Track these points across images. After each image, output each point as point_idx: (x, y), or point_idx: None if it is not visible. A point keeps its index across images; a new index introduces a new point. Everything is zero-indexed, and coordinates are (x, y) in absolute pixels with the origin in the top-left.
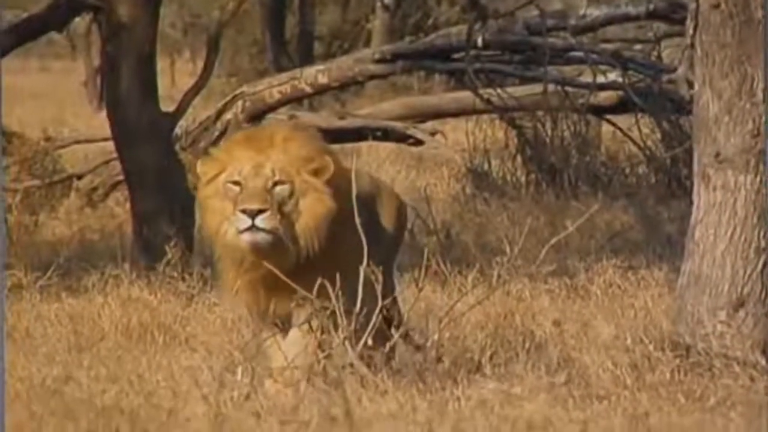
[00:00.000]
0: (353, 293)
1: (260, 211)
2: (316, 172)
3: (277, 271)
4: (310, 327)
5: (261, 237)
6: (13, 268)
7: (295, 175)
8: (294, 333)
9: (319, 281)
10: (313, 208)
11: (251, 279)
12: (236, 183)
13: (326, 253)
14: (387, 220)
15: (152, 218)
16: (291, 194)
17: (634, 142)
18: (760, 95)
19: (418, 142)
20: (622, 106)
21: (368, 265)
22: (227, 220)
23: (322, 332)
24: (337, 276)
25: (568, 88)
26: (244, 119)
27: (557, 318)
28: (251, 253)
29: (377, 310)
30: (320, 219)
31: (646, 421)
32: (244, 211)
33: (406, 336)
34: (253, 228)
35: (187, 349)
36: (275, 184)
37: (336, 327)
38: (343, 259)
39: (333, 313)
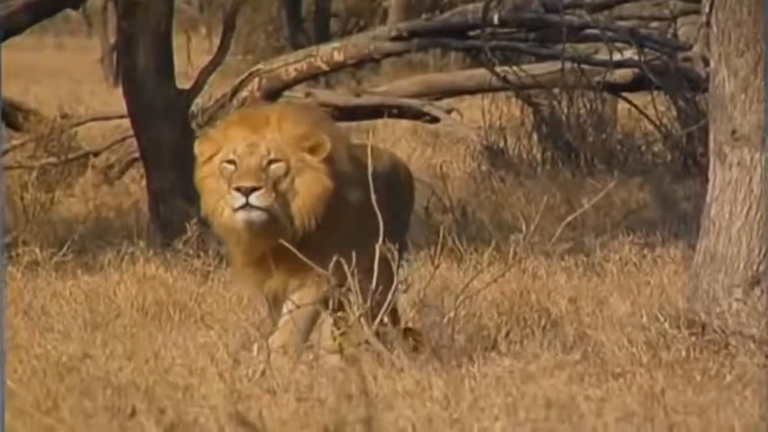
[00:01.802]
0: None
1: (254, 189)
2: (312, 150)
3: (291, 247)
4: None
5: (255, 215)
6: (29, 245)
7: (291, 153)
8: (284, 312)
9: (331, 259)
10: (309, 187)
11: (251, 258)
12: (231, 162)
13: (327, 231)
14: (403, 197)
15: (168, 196)
16: (286, 173)
17: (650, 120)
18: None
19: (434, 120)
20: (638, 84)
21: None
22: (223, 199)
23: (339, 309)
24: (335, 253)
25: (584, 66)
26: (260, 97)
27: (573, 296)
28: (246, 232)
29: (393, 289)
30: (316, 197)
31: (662, 398)
32: (238, 189)
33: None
34: (247, 206)
35: (202, 326)
36: (270, 162)
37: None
38: (345, 237)
39: (338, 290)
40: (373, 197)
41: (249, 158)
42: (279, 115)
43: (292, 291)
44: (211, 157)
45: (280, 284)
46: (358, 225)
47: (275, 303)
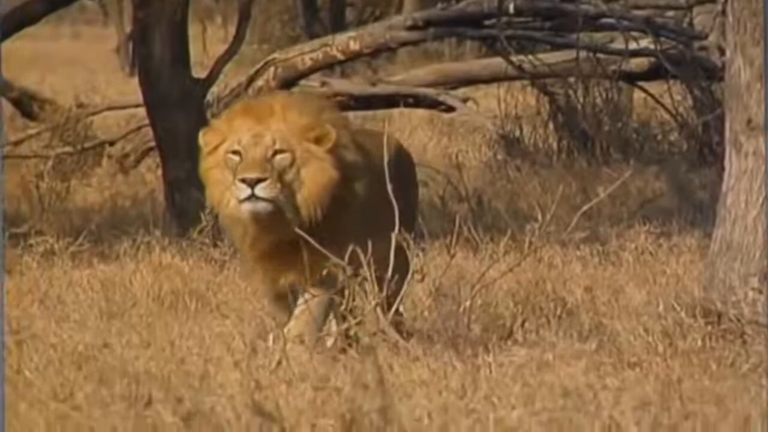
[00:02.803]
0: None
1: (260, 180)
2: (317, 141)
3: (308, 238)
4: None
5: (261, 206)
6: (45, 235)
7: (296, 144)
8: (300, 301)
9: (343, 249)
10: (314, 178)
11: (258, 251)
12: (236, 153)
13: (337, 221)
14: (406, 180)
15: (184, 185)
16: (292, 163)
17: (666, 109)
18: None
19: (450, 109)
20: (653, 73)
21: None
22: (228, 190)
23: (351, 299)
24: (347, 243)
25: (600, 55)
26: (275, 86)
27: (589, 285)
28: (252, 223)
29: (408, 278)
30: (322, 188)
31: (678, 387)
32: (243, 181)
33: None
34: (253, 197)
35: (218, 315)
36: (275, 153)
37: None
38: (356, 226)
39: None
40: (389, 186)
41: (254, 149)
42: (284, 105)
43: (306, 282)
44: (215, 148)
45: (294, 277)
46: (367, 214)
47: (291, 294)
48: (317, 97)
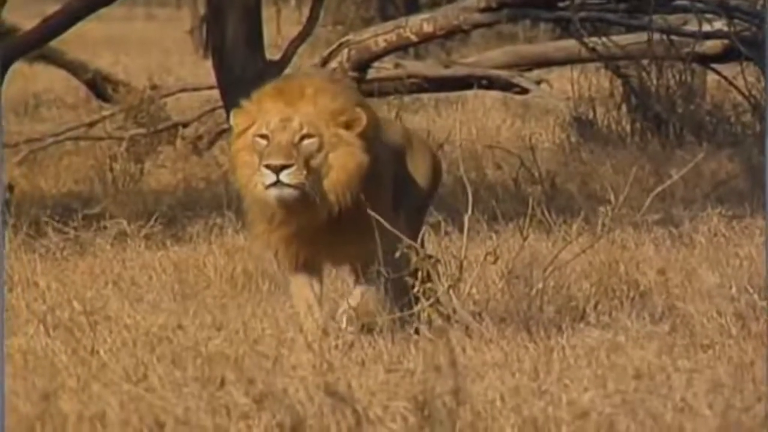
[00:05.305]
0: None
1: (284, 167)
2: (347, 125)
3: (380, 218)
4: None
5: (287, 192)
6: (118, 217)
7: (325, 128)
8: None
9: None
10: (343, 162)
11: (286, 234)
12: (264, 137)
13: (361, 207)
14: (418, 171)
15: None
16: (320, 148)
17: (740, 91)
18: None
19: (524, 91)
20: (727, 55)
21: (398, 216)
22: (255, 174)
23: (424, 281)
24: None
25: (674, 37)
26: (349, 68)
27: (662, 267)
28: (280, 208)
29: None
30: (351, 173)
31: (751, 369)
32: (268, 167)
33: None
34: (278, 183)
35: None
36: (303, 137)
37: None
38: (376, 212)
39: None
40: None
41: (281, 134)
42: (315, 88)
43: (347, 262)
44: (245, 130)
45: (315, 256)
46: (384, 200)
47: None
48: (348, 81)
